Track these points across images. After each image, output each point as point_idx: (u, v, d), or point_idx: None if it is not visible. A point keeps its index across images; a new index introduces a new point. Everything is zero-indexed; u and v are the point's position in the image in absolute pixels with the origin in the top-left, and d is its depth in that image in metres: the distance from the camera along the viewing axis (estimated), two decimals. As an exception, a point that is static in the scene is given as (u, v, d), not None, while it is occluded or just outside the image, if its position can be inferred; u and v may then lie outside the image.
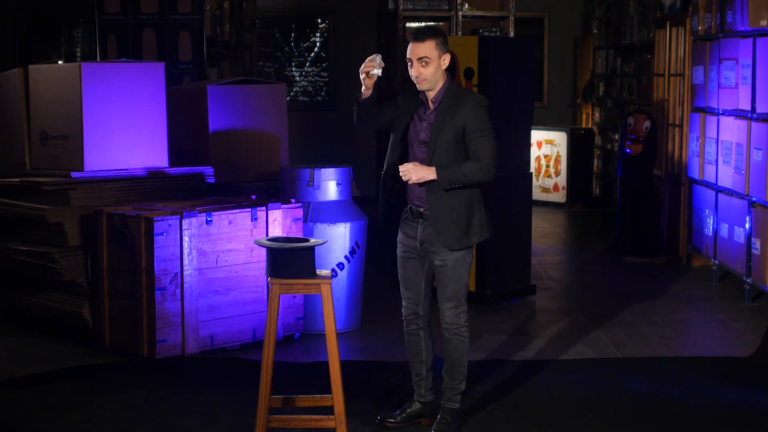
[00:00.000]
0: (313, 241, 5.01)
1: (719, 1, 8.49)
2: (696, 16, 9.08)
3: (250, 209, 6.64)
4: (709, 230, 8.74)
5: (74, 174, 6.83)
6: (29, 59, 11.96)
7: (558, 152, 13.36)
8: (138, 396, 5.71)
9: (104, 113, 6.94)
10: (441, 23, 10.48)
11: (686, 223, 9.42)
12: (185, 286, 6.37)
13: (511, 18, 9.82)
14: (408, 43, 5.02)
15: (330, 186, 6.98)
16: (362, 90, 5.05)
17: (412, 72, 4.97)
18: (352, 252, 7.01)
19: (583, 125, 14.26)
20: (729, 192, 8.30)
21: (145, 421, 5.32)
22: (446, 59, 5.00)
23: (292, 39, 14.26)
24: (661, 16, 10.33)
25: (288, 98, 12.40)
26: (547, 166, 13.48)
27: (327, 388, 5.06)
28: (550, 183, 13.47)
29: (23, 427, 5.26)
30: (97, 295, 6.60)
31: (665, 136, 9.86)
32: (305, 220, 6.89)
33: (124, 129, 7.02)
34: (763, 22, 7.72)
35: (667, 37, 9.90)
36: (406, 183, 5.06)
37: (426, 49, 4.94)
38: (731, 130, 8.25)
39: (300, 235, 6.72)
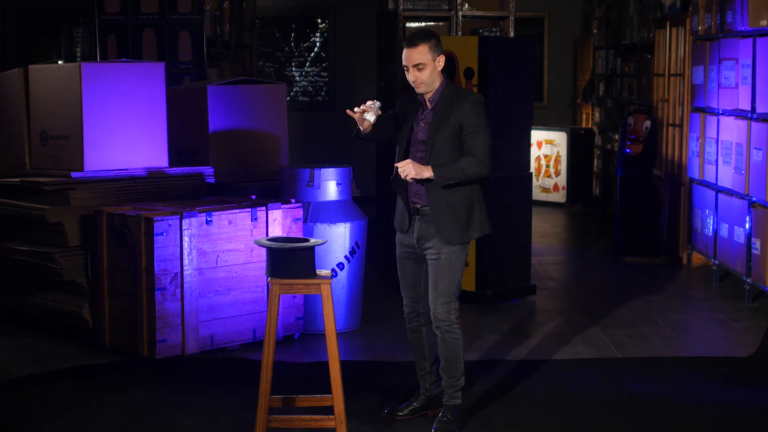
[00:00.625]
0: (313, 241, 5.01)
1: (719, 1, 8.48)
2: (696, 16, 9.08)
3: (250, 209, 6.64)
4: (709, 230, 8.74)
5: (74, 174, 6.83)
6: (29, 59, 11.96)
7: (558, 152, 13.36)
8: (138, 396, 5.71)
9: (104, 113, 6.94)
10: (441, 23, 10.46)
11: (686, 223, 9.42)
12: (185, 286, 6.37)
13: (511, 18, 9.81)
14: (402, 49, 5.07)
15: (330, 186, 6.98)
16: (360, 128, 5.08)
17: (409, 77, 5.06)
18: (352, 252, 7.01)
19: (583, 125, 14.25)
20: (729, 192, 8.30)
21: (145, 421, 5.32)
22: (441, 61, 5.07)
23: (292, 39, 14.25)
24: (661, 16, 10.33)
25: (288, 98, 12.39)
26: (547, 166, 13.48)
27: (327, 388, 5.06)
28: (550, 183, 13.46)
29: (23, 427, 5.26)
30: (97, 295, 6.60)
31: (665, 136, 9.86)
32: (305, 220, 6.89)
33: (124, 129, 7.02)
34: (763, 22, 7.72)
35: (667, 37, 9.90)
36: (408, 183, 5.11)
37: (420, 53, 5.00)
38: (731, 130, 8.25)
39: (300, 235, 6.72)
